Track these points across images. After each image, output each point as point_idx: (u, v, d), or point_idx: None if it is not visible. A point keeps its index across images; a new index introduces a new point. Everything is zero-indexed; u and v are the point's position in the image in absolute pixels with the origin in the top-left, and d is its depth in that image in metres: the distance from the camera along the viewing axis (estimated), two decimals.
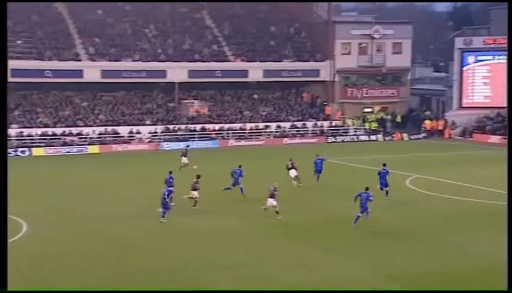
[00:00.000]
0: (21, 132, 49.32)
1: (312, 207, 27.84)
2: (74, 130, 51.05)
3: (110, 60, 54.99)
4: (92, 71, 53.86)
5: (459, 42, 61.22)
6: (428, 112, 63.41)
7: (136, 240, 22.67)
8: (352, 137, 56.28)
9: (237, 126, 55.11)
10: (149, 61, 55.83)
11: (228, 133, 54.12)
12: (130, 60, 55.60)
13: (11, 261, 14.78)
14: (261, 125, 55.83)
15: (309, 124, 57.14)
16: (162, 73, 55.91)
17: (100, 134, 51.34)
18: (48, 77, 52.45)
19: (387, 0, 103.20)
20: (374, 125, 58.25)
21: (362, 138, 56.16)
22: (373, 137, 56.35)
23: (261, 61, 58.73)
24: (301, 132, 56.15)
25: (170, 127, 53.65)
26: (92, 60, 54.77)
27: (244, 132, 54.66)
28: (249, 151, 49.11)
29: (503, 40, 59.54)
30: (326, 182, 32.67)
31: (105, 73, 54.12)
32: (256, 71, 58.48)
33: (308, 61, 60.36)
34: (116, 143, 50.57)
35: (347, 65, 60.63)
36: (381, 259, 20.25)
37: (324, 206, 28.14)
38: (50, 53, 54.01)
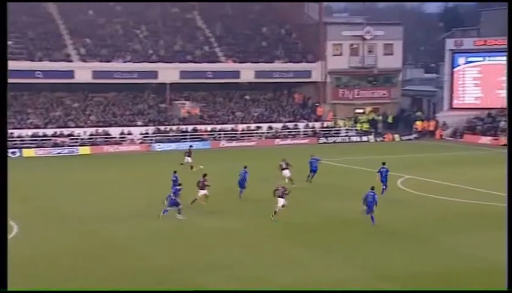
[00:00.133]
0: (11, 133, 49.04)
1: (307, 207, 27.87)
2: (65, 131, 50.84)
3: (101, 61, 54.83)
4: (83, 72, 53.67)
5: (449, 43, 61.53)
6: (419, 113, 63.68)
7: (133, 240, 22.64)
8: (343, 137, 56.42)
9: (229, 126, 55.10)
10: (140, 62, 55.71)
11: (219, 134, 54.09)
12: (122, 61, 55.46)
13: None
14: (253, 126, 55.86)
15: (301, 125, 57.22)
16: (153, 74, 55.81)
17: (91, 135, 51.17)
18: (39, 77, 52.21)
19: (378, 0, 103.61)
20: (366, 126, 58.42)
21: (354, 139, 56.31)
22: (364, 138, 56.51)
23: (252, 62, 58.74)
24: (293, 133, 56.21)
25: (162, 128, 53.56)
26: (84, 61, 54.58)
27: (235, 133, 54.66)
28: (241, 152, 49.09)
29: (493, 41, 59.97)
30: (319, 183, 32.70)
31: (96, 74, 53.95)
32: (247, 72, 58.49)
33: (300, 62, 60.46)
34: (107, 144, 50.41)
35: (339, 66, 60.78)
36: (376, 259, 20.30)
37: (318, 206, 28.18)
38: (40, 54, 53.77)
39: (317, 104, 60.25)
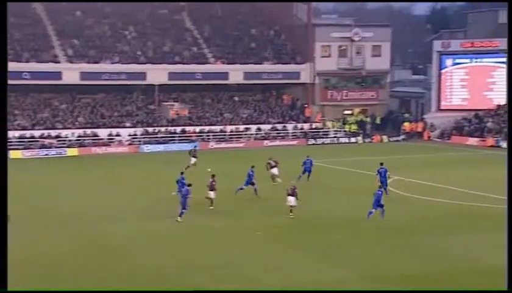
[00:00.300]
0: None
1: (296, 208, 27.94)
2: (53, 132, 50.56)
3: (89, 62, 54.59)
4: (71, 73, 53.39)
5: (437, 45, 61.90)
6: (406, 115, 63.99)
7: (127, 241, 22.72)
8: (332, 139, 56.55)
9: (217, 128, 55.05)
10: (128, 63, 55.51)
11: (208, 135, 54.03)
12: (110, 62, 55.25)
13: None
14: (242, 127, 55.83)
15: (290, 126, 57.28)
16: (142, 75, 55.63)
17: (79, 137, 50.92)
18: (26, 79, 51.84)
19: (368, 0, 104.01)
20: (354, 127, 58.59)
21: (342, 140, 56.46)
22: (353, 139, 56.68)
23: (241, 64, 58.72)
24: (281, 134, 56.27)
25: (150, 129, 53.40)
26: (71, 62, 54.31)
27: (224, 134, 54.62)
28: (230, 153, 49.06)
29: (479, 43, 60.44)
30: (308, 184, 32.77)
31: (84, 75, 53.70)
32: (236, 73, 58.46)
33: (289, 63, 60.53)
34: (95, 146, 50.19)
35: (327, 67, 60.92)
36: (365, 260, 20.41)
37: (307, 207, 28.19)
38: (28, 55, 53.44)
39: (306, 105, 60.36)
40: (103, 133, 51.71)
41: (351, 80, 62.52)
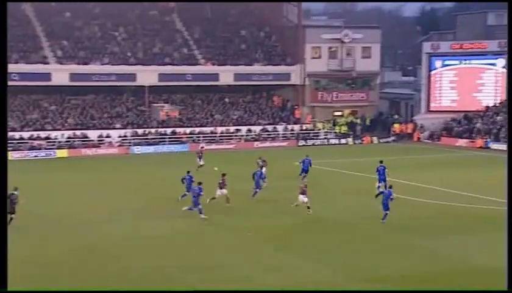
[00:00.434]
0: None
1: (285, 209, 27.98)
2: (42, 134, 50.29)
3: (79, 63, 54.39)
4: (60, 74, 53.15)
5: (426, 47, 62.20)
6: (396, 116, 64.25)
7: (120, 242, 22.71)
8: (322, 140, 56.66)
9: (208, 129, 54.99)
10: (118, 64, 55.35)
11: (198, 136, 53.95)
12: (99, 63, 55.06)
13: None
14: (232, 129, 55.82)
15: (280, 127, 57.33)
16: (132, 77, 55.49)
17: (69, 138, 50.68)
18: (15, 80, 51.40)
19: (359, 0, 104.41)
20: (344, 128, 58.74)
21: (333, 141, 56.57)
22: (343, 141, 56.81)
23: (231, 65, 58.71)
24: (272, 135, 56.30)
25: (141, 131, 53.25)
26: (61, 63, 54.07)
27: (214, 136, 54.57)
28: (220, 154, 48.99)
29: (468, 45, 60.84)
30: (292, 185, 32.70)
31: (73, 76, 53.49)
32: (226, 75, 58.45)
33: (279, 65, 60.60)
34: (85, 147, 49.98)
35: (317, 68, 61.04)
36: (354, 261, 20.44)
37: (297, 208, 28.24)
38: (17, 56, 53.12)
39: (296, 107, 60.43)
40: (93, 134, 51.50)
41: (341, 82, 62.70)
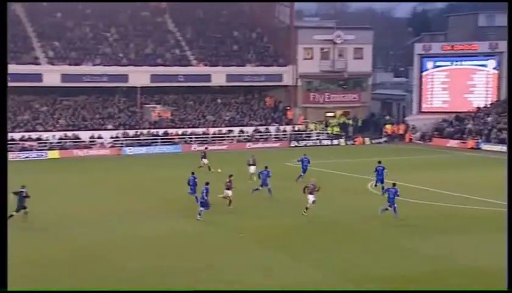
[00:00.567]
0: None
1: (277, 210, 28.01)
2: (34, 135, 50.08)
3: (70, 64, 54.20)
4: (52, 75, 52.95)
5: (418, 48, 62.41)
6: (388, 117, 64.42)
7: (114, 243, 22.68)
8: (314, 141, 56.74)
9: (200, 130, 54.94)
10: (110, 65, 55.20)
11: (191, 137, 53.88)
12: (91, 64, 54.89)
13: None
14: (224, 129, 55.79)
15: (272, 128, 57.35)
16: (124, 77, 55.36)
17: (60, 139, 50.48)
18: None
19: (351, 0, 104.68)
20: (336, 129, 58.85)
21: (325, 142, 56.66)
22: (335, 141, 56.90)
23: (223, 66, 58.70)
24: (264, 136, 56.32)
25: (133, 132, 53.12)
26: (52, 64, 53.86)
27: (207, 137, 54.52)
28: (212, 155, 48.83)
29: (460, 46, 61.11)
30: (290, 186, 32.77)
31: (65, 77, 53.30)
32: (219, 76, 58.42)
33: (271, 66, 60.63)
34: (76, 148, 49.80)
35: (309, 69, 61.12)
36: (346, 262, 20.46)
37: (288, 209, 28.31)
38: (8, 56, 52.80)
39: (288, 108, 60.48)
40: (84, 135, 51.33)
41: (333, 83, 62.82)
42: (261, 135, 56.26)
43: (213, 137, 54.66)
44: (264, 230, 24.54)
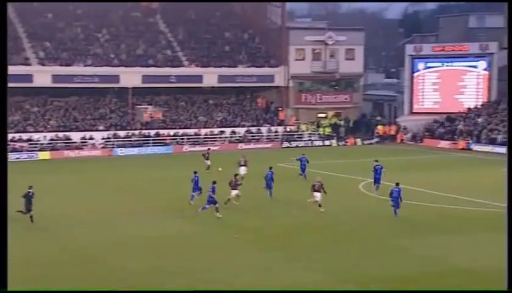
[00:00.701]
0: None
1: (270, 211, 28.01)
2: (24, 136, 49.83)
3: (61, 65, 53.96)
4: (42, 76, 52.71)
5: (409, 49, 62.65)
6: (379, 118, 64.60)
7: (109, 244, 22.66)
8: (306, 142, 56.78)
9: (192, 131, 54.85)
10: (101, 66, 55.02)
11: (182, 138, 53.79)
12: (82, 65, 54.69)
13: None
14: (216, 130, 55.73)
15: (264, 129, 57.36)
16: (115, 78, 55.19)
17: (51, 140, 50.25)
18: None
19: (343, 0, 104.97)
20: (328, 130, 58.94)
21: (317, 143, 56.72)
22: (327, 142, 56.99)
23: (215, 67, 58.65)
24: (256, 137, 56.32)
25: (124, 132, 52.95)
26: (43, 65, 53.61)
27: (199, 138, 54.45)
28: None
29: (450, 47, 61.41)
30: (283, 187, 32.75)
31: (56, 78, 53.07)
32: (210, 77, 58.38)
33: (263, 66, 60.64)
34: (68, 149, 49.59)
35: (301, 70, 61.18)
36: (338, 262, 20.49)
37: (281, 210, 28.34)
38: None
39: (280, 109, 60.51)
40: (76, 136, 51.11)
41: (325, 84, 62.92)
42: (253, 136, 56.26)
43: (204, 138, 54.59)
44: (264, 230, 24.60)
